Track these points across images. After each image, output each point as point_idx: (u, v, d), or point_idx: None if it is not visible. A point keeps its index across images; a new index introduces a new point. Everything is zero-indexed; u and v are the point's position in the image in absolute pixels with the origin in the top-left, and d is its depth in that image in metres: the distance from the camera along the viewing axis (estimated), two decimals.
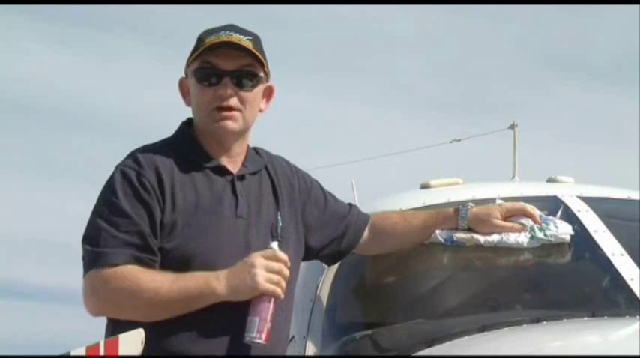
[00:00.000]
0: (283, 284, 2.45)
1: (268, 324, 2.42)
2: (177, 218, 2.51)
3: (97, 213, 2.51)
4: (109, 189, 2.53)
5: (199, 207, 2.53)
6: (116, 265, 2.42)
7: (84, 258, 2.49)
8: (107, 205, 2.50)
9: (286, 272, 2.46)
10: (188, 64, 2.64)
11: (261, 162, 2.73)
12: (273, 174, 2.72)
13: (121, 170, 2.54)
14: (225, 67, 2.58)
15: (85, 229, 2.52)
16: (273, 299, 2.44)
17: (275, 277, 2.43)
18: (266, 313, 2.42)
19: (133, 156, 2.58)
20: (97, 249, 2.45)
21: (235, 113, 2.59)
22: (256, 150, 2.76)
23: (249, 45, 2.58)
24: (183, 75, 2.69)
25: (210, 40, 2.58)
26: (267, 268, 2.42)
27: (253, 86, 2.61)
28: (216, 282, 2.41)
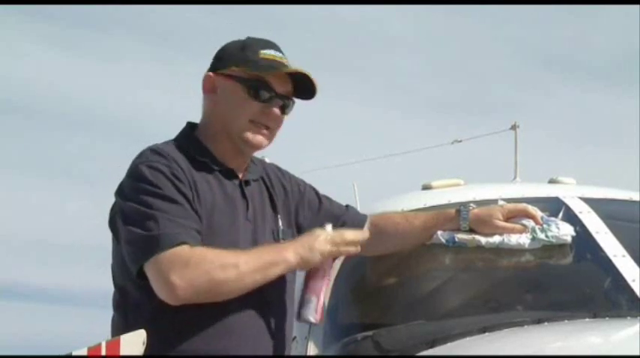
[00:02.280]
0: (347, 249, 2.59)
1: (323, 307, 2.55)
2: (202, 214, 2.51)
3: (140, 203, 2.44)
4: (143, 182, 2.47)
5: (216, 206, 2.54)
6: (186, 244, 2.39)
7: (136, 243, 2.41)
8: (150, 195, 2.44)
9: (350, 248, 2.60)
10: (230, 65, 2.62)
11: (260, 169, 2.75)
12: (267, 181, 2.75)
13: (149, 165, 2.50)
14: (278, 90, 2.61)
15: (125, 218, 2.45)
16: (327, 279, 2.56)
17: (338, 252, 2.58)
18: (320, 291, 2.55)
19: (155, 151, 2.55)
20: (156, 233, 2.39)
21: (269, 132, 2.63)
22: (251, 158, 2.77)
23: (309, 74, 2.61)
24: (200, 71, 2.69)
25: (268, 55, 2.60)
26: (332, 240, 2.55)
27: (289, 112, 2.67)
28: (285, 251, 2.49)
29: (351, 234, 2.61)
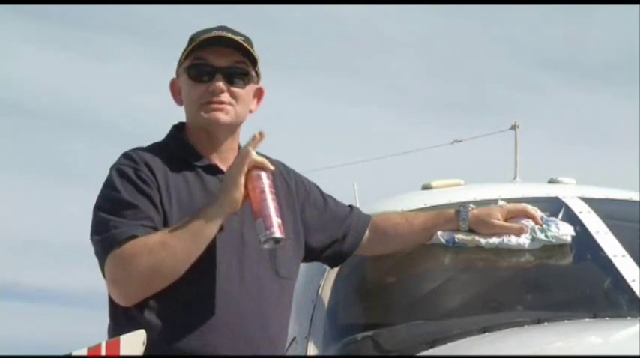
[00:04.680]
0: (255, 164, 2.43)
1: (277, 219, 2.39)
2: (173, 213, 2.52)
3: (100, 209, 2.51)
4: (109, 187, 2.54)
5: (193, 204, 2.54)
6: (129, 238, 2.41)
7: (97, 252, 2.49)
8: (110, 201, 2.51)
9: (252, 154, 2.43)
10: (180, 63, 2.66)
11: None
12: None
13: (117, 168, 2.56)
14: (217, 64, 2.60)
15: (91, 228, 2.52)
16: (270, 196, 2.40)
17: (250, 159, 2.42)
18: (266, 209, 2.39)
19: (126, 155, 2.60)
20: (106, 234, 2.44)
21: (226, 106, 2.61)
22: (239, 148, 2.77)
23: (240, 41, 2.60)
24: (174, 76, 2.71)
25: (202, 37, 2.61)
26: (238, 162, 2.44)
27: (245, 84, 2.64)
28: (208, 207, 2.43)
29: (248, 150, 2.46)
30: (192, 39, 2.65)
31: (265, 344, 2.56)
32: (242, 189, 2.42)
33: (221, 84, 2.59)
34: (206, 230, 2.42)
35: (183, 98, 2.67)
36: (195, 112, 2.63)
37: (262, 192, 2.42)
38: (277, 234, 2.38)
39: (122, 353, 2.22)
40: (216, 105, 2.60)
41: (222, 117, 2.61)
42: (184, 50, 2.65)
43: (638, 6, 8.52)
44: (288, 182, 2.78)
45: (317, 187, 2.89)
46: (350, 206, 2.96)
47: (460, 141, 5.43)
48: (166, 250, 2.40)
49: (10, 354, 4.52)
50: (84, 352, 2.18)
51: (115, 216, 2.47)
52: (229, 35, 2.61)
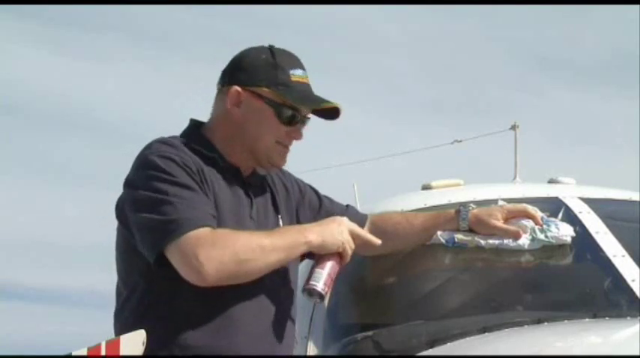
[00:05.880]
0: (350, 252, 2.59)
1: (330, 279, 2.53)
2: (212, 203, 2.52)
3: (155, 190, 2.42)
4: (157, 171, 2.45)
5: (225, 203, 2.55)
6: (208, 227, 2.39)
7: (156, 228, 2.39)
8: (165, 183, 2.43)
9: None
10: (260, 84, 2.60)
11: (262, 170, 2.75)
12: (269, 180, 2.75)
13: (159, 154, 2.48)
14: (304, 113, 2.65)
15: (139, 207, 2.43)
16: (340, 262, 2.57)
17: (352, 243, 2.59)
18: (334, 271, 2.55)
19: (162, 142, 2.54)
20: (176, 216, 2.38)
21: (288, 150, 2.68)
22: None
23: (340, 107, 2.66)
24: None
25: (298, 77, 2.61)
26: (352, 231, 2.60)
27: None
28: (308, 233, 2.52)
29: (366, 233, 2.73)
30: (280, 67, 2.60)
31: (274, 346, 2.57)
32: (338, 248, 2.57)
33: (302, 132, 2.66)
34: (297, 251, 2.51)
35: (253, 124, 2.61)
36: (266, 145, 2.62)
37: (336, 253, 2.57)
38: (324, 292, 2.53)
39: (122, 353, 2.22)
40: (286, 151, 2.66)
41: (283, 163, 2.69)
42: (274, 79, 2.60)
43: (636, 6, 8.53)
44: (286, 185, 2.80)
45: (312, 188, 2.90)
46: (347, 205, 2.97)
47: (460, 141, 5.44)
48: (261, 252, 2.42)
49: (10, 354, 4.53)
50: (84, 352, 2.18)
51: (177, 198, 2.40)
52: (332, 103, 2.65)
